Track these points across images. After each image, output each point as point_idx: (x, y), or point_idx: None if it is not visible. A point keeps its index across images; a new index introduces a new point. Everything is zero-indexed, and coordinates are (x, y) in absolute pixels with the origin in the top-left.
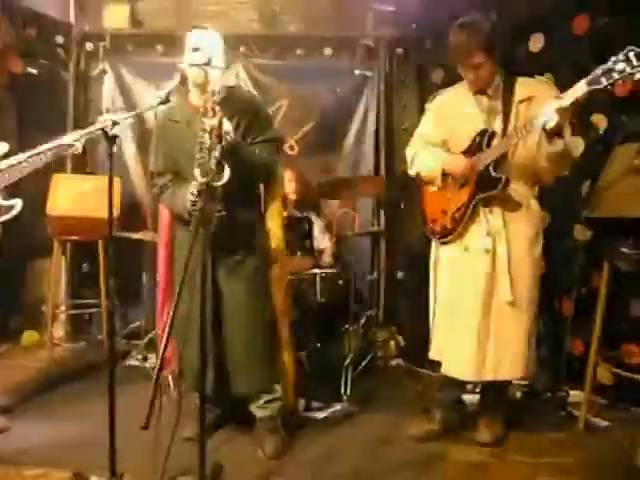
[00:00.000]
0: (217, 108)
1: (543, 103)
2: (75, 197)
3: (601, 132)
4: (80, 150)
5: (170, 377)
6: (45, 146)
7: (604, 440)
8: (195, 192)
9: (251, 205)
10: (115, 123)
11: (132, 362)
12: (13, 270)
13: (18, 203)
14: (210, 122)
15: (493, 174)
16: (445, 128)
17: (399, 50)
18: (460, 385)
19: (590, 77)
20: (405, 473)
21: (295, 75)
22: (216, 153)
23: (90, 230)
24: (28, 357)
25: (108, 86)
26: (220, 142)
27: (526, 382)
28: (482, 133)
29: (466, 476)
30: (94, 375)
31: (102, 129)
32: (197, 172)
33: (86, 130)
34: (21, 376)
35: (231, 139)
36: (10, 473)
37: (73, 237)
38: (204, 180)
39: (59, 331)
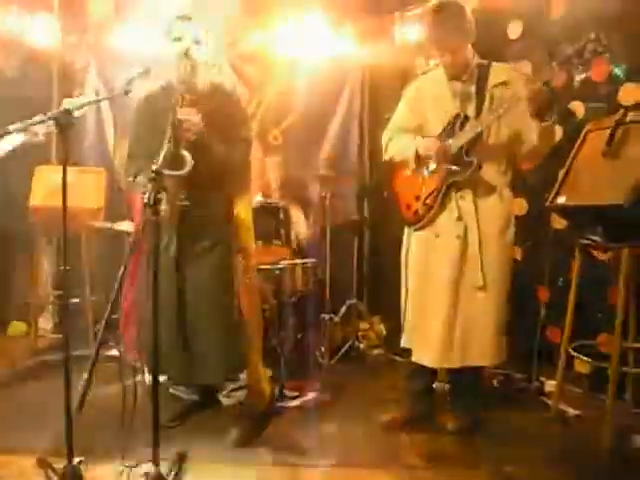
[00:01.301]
0: (187, 98)
1: (516, 88)
2: (57, 188)
3: (579, 119)
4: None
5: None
6: None
7: (574, 429)
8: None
9: (219, 198)
10: (67, 111)
11: (113, 352)
12: (0, 262)
13: None
14: (180, 112)
15: (465, 158)
16: (420, 114)
17: (382, 39)
18: (430, 373)
19: (562, 58)
20: (369, 460)
21: (279, 65)
22: (169, 142)
23: (74, 221)
24: (13, 347)
25: (91, 78)
26: (175, 132)
27: (502, 371)
28: (455, 117)
29: (428, 464)
30: (75, 364)
31: (53, 117)
32: (159, 158)
33: (36, 118)
34: (2, 365)
35: (198, 132)
36: None
37: (54, 228)
38: (156, 168)
39: (47, 322)
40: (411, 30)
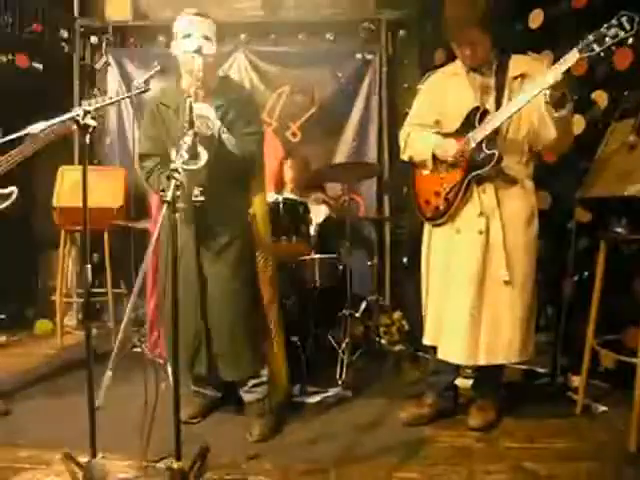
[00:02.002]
0: (200, 94)
1: (536, 79)
2: (79, 188)
3: (602, 109)
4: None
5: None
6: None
7: (600, 425)
8: (165, 177)
9: (236, 192)
10: (86, 112)
11: (139, 349)
12: (27, 261)
13: (14, 190)
14: (187, 106)
15: (486, 151)
16: (437, 109)
17: (401, 32)
18: (454, 370)
19: (582, 44)
20: (389, 457)
21: (297, 61)
22: (189, 138)
23: (95, 220)
24: (40, 345)
25: (112, 78)
26: (191, 126)
27: (525, 366)
28: (474, 111)
29: (450, 460)
30: (100, 361)
31: (73, 118)
32: (173, 155)
33: (57, 119)
34: (29, 363)
35: (212, 126)
36: (5, 453)
37: (78, 227)
38: (174, 165)
39: (72, 320)
40: (431, 22)
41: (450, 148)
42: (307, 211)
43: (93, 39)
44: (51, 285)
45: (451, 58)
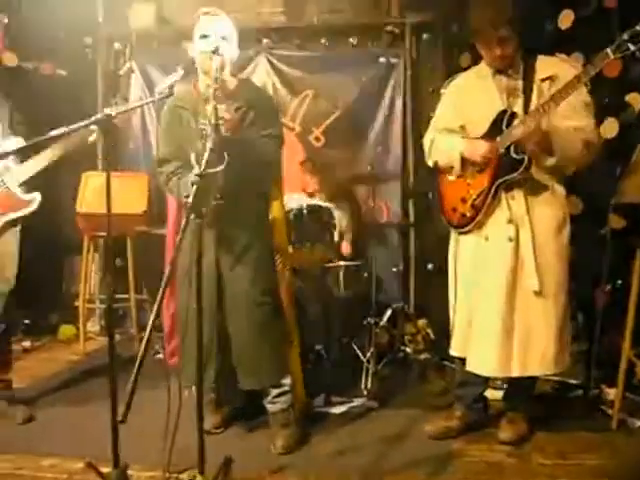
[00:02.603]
0: (219, 95)
1: (565, 81)
2: (103, 194)
3: (637, 111)
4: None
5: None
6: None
7: (636, 441)
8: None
9: (255, 195)
10: (109, 116)
11: (160, 356)
12: (52, 266)
13: (37, 197)
14: (209, 109)
15: (514, 156)
16: (462, 113)
17: (425, 35)
18: (483, 381)
19: (616, 43)
20: (417, 471)
21: (320, 65)
22: (211, 141)
23: (118, 226)
24: (63, 351)
25: (135, 84)
26: (216, 129)
27: (558, 378)
28: (501, 114)
29: (480, 476)
30: (122, 368)
31: (97, 122)
32: (193, 159)
33: (80, 123)
34: (52, 369)
35: (232, 127)
36: (28, 462)
37: (101, 233)
38: (199, 171)
39: (95, 325)
40: (455, 25)
41: (479, 147)
42: (331, 217)
43: (117, 45)
44: (75, 290)
45: (477, 61)
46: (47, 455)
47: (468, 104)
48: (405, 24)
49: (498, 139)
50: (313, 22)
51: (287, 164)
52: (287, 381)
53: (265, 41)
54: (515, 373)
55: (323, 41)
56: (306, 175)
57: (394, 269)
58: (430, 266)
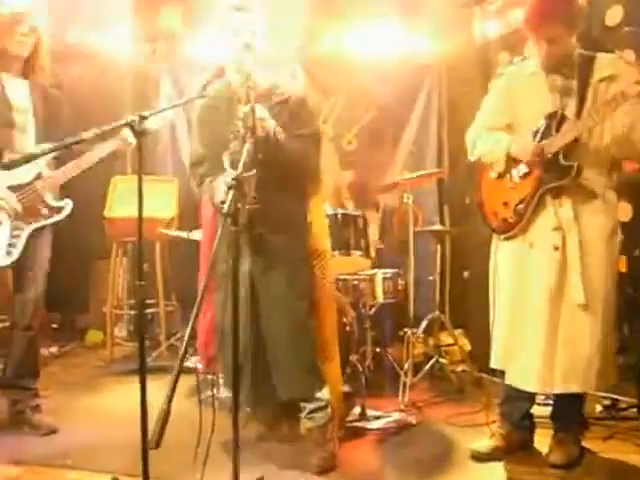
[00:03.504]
0: (252, 94)
1: (625, 82)
2: (131, 198)
3: None
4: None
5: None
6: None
7: None
8: (225, 187)
9: (291, 198)
10: (143, 117)
11: (190, 364)
12: (80, 271)
13: (69, 204)
14: (244, 109)
15: (563, 162)
16: (510, 111)
17: (461, 36)
18: (528, 397)
19: None
20: None
21: (352, 66)
22: (248, 143)
23: (147, 231)
24: (90, 356)
25: (165, 87)
26: (253, 131)
27: (608, 394)
28: (551, 116)
29: None
30: (150, 377)
31: (129, 124)
32: (226, 162)
33: (112, 125)
34: (79, 376)
35: (267, 127)
36: (53, 475)
37: (129, 238)
38: (235, 173)
39: (122, 331)
40: (493, 24)
41: (527, 146)
42: (366, 224)
43: (147, 47)
44: (102, 295)
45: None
46: (73, 467)
47: (517, 101)
48: (440, 23)
49: (545, 142)
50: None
51: None
52: (324, 396)
53: (296, 41)
54: (557, 389)
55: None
56: (341, 179)
57: (429, 277)
58: (466, 274)
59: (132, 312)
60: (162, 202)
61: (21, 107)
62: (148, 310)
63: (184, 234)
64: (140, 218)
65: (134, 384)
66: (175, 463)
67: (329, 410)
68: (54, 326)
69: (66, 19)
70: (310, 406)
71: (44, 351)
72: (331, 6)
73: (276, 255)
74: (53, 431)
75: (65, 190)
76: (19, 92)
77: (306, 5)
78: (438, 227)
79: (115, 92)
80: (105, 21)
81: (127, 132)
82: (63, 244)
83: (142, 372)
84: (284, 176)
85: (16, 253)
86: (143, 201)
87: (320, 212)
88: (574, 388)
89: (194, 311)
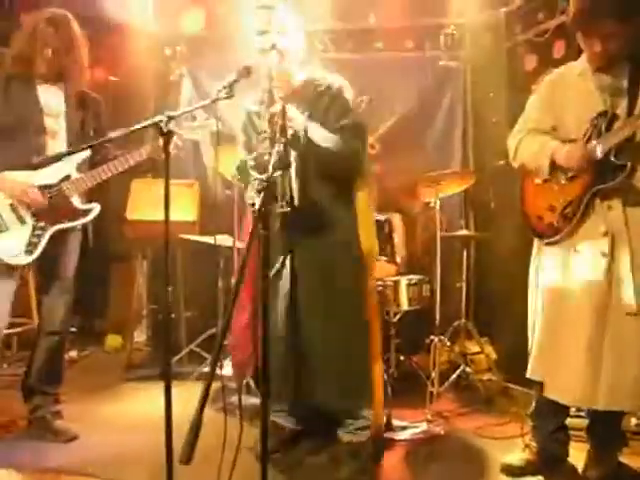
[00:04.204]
0: (279, 92)
1: None
2: (152, 202)
3: None
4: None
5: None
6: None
7: None
8: (254, 192)
9: (336, 196)
10: (170, 117)
11: (207, 369)
12: (99, 274)
13: (96, 207)
14: (272, 110)
15: (614, 162)
16: (556, 113)
17: (486, 37)
18: (563, 410)
19: None
20: None
21: (375, 70)
22: (278, 144)
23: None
24: (109, 361)
25: (186, 90)
26: (283, 132)
27: None
28: (601, 116)
29: None
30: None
31: (156, 124)
32: (251, 162)
33: (139, 125)
34: (98, 381)
35: (298, 126)
36: None
37: (150, 242)
38: (262, 177)
39: (142, 335)
40: (520, 26)
41: (574, 151)
42: (392, 229)
43: (167, 51)
44: (121, 299)
45: (543, 65)
46: (93, 476)
47: (563, 103)
48: (465, 25)
49: (594, 142)
50: (367, 25)
51: None
52: (369, 414)
53: (318, 45)
54: (601, 405)
55: (378, 45)
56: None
57: (456, 284)
58: (492, 281)
59: (151, 317)
60: (184, 206)
61: (53, 112)
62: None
63: (210, 239)
64: (167, 221)
65: (154, 390)
66: (199, 475)
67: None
68: (73, 330)
69: None
70: (353, 424)
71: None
72: (353, 7)
73: (320, 257)
74: (74, 438)
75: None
76: (52, 97)
77: (328, 6)
78: (464, 232)
79: (137, 96)
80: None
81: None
82: (82, 247)
83: (167, 380)
84: (326, 173)
85: (36, 253)
86: (170, 204)
87: (366, 210)
88: (620, 407)
89: (224, 321)
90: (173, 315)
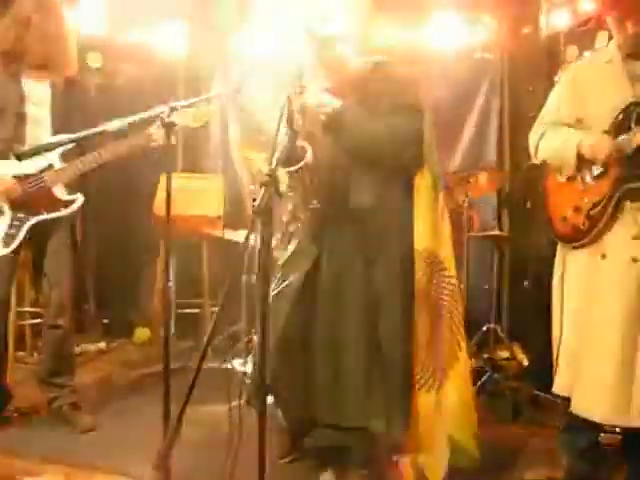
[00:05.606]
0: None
1: None
2: (180, 196)
3: None
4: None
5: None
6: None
7: None
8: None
9: (388, 187)
10: (173, 109)
11: (229, 365)
12: (130, 267)
13: (79, 198)
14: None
15: None
16: (581, 104)
17: (525, 29)
18: (595, 426)
19: None
20: None
21: (409, 62)
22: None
23: (194, 229)
24: (136, 354)
25: (217, 85)
26: (290, 124)
27: None
28: (630, 107)
29: None
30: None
31: (158, 115)
32: (262, 157)
33: (140, 115)
34: (124, 373)
35: (327, 112)
36: (81, 475)
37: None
38: (267, 170)
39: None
40: (560, 15)
41: (603, 144)
42: None
43: (200, 45)
44: (150, 292)
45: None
46: (104, 470)
47: (589, 93)
48: (502, 16)
49: (624, 136)
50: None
51: None
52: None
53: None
54: (635, 422)
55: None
56: None
57: (485, 286)
58: (526, 283)
59: (179, 311)
60: (209, 200)
61: (38, 100)
62: (193, 310)
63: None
64: (168, 217)
65: (176, 384)
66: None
67: None
68: (105, 321)
69: (121, 19)
70: None
71: (91, 346)
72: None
73: (371, 257)
74: (91, 429)
75: (113, 186)
76: (37, 84)
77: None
78: (495, 232)
79: (169, 91)
80: (159, 20)
81: (152, 128)
82: (116, 241)
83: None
84: (374, 162)
85: (14, 244)
86: (187, 200)
87: (426, 204)
88: None
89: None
90: (198, 310)
